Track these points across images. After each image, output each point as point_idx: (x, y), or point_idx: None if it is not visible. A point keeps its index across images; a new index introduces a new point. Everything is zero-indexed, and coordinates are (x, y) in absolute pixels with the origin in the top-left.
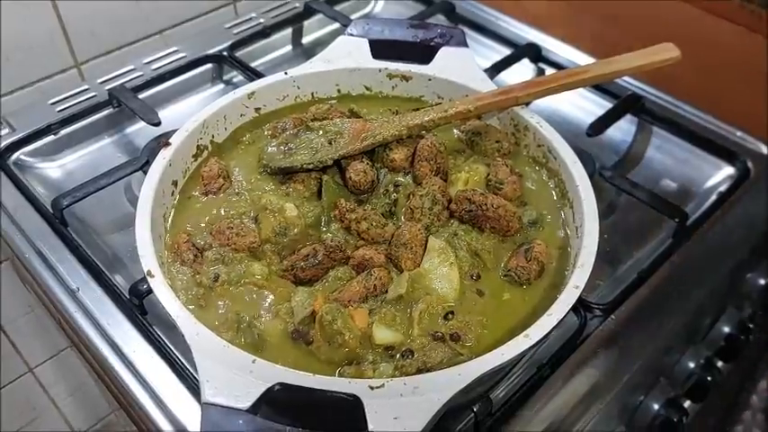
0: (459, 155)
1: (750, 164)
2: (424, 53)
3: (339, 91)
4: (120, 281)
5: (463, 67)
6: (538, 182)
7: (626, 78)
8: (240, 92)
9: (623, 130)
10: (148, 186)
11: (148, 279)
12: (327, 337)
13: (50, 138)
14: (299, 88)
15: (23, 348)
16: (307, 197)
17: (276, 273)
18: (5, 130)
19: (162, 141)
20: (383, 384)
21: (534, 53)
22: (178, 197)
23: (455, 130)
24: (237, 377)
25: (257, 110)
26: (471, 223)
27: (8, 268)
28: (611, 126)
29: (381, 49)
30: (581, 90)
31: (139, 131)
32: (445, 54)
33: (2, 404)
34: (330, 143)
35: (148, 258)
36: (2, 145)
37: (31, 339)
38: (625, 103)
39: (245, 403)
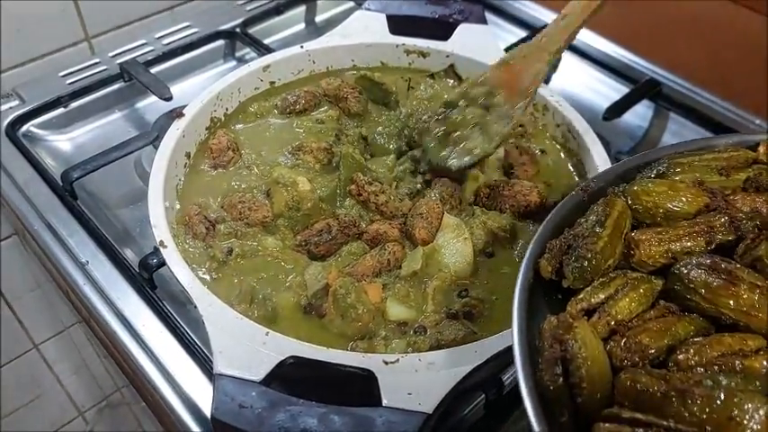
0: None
1: None
2: (442, 29)
3: (355, 66)
4: (129, 255)
5: (482, 43)
6: (557, 162)
7: (644, 63)
8: (255, 65)
9: (640, 115)
10: (162, 157)
11: (161, 249)
12: (341, 311)
13: (60, 110)
14: (314, 62)
15: (29, 325)
16: (317, 170)
17: (290, 247)
18: (16, 102)
19: (176, 112)
20: (398, 360)
21: None
22: (188, 169)
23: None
24: (251, 349)
25: (272, 83)
26: (493, 207)
27: (15, 245)
28: (627, 111)
29: (399, 24)
30: (598, 74)
31: (150, 106)
32: (464, 30)
33: (7, 380)
34: (488, 109)
35: (161, 229)
36: (12, 117)
37: (37, 316)
38: (642, 89)
39: (258, 375)
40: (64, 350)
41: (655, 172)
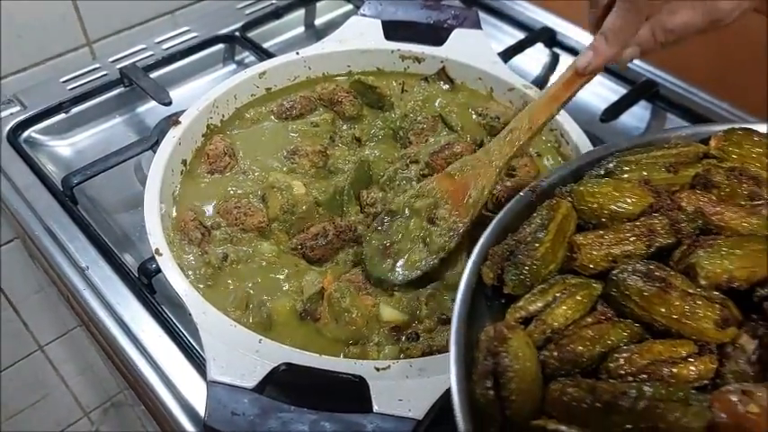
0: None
1: None
2: (437, 34)
3: (351, 72)
4: (129, 260)
5: (476, 48)
6: (554, 164)
7: (641, 64)
8: (251, 71)
9: (637, 116)
10: (158, 164)
11: (156, 257)
12: (335, 315)
13: (61, 116)
14: (310, 69)
15: (34, 326)
16: (313, 174)
17: (285, 251)
18: (17, 108)
19: (172, 120)
20: (389, 366)
21: (549, 37)
22: (185, 176)
23: (474, 115)
24: (244, 356)
25: (268, 89)
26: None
27: (19, 247)
28: (625, 112)
29: (394, 29)
30: (596, 76)
31: (150, 111)
32: (458, 35)
33: (13, 381)
34: (432, 222)
35: (157, 236)
36: (13, 123)
37: (42, 318)
38: (639, 90)
39: (251, 382)
40: (69, 351)
41: (603, 170)
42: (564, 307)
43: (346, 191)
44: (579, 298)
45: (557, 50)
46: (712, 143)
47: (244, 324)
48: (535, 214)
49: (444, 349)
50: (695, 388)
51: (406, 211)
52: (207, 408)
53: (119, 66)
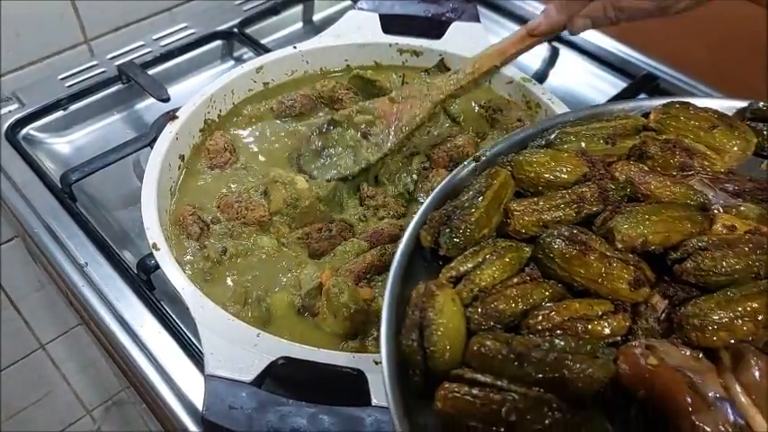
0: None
1: None
2: (435, 28)
3: (348, 66)
4: (128, 256)
5: (475, 42)
6: None
7: (641, 58)
8: (248, 66)
9: None
10: (155, 160)
11: (154, 252)
12: (333, 310)
13: (60, 113)
14: (307, 63)
15: (35, 325)
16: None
17: (286, 243)
18: (15, 105)
19: (169, 115)
20: None
21: None
22: (184, 171)
23: (476, 107)
24: (242, 350)
25: (265, 84)
26: None
27: (19, 245)
28: None
29: (391, 23)
30: (595, 70)
31: (149, 107)
32: (457, 29)
33: (15, 379)
34: (366, 137)
35: (154, 231)
36: (12, 120)
37: (43, 316)
38: (640, 83)
39: (249, 376)
40: (70, 350)
41: (544, 141)
42: (493, 268)
43: (346, 187)
44: (507, 260)
45: (556, 44)
46: (651, 116)
47: (242, 318)
48: (474, 182)
49: None
50: (609, 344)
51: (345, 123)
52: (205, 401)
53: (117, 63)
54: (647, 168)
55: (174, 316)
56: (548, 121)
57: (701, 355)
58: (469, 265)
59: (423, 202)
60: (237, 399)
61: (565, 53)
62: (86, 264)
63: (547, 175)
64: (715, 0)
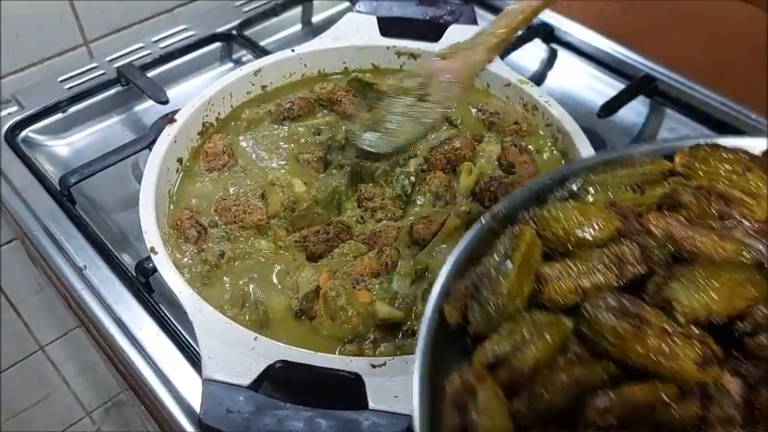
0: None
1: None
2: (433, 30)
3: (347, 68)
4: (126, 259)
5: None
6: (551, 161)
7: (639, 59)
8: (246, 69)
9: (636, 111)
10: (153, 163)
11: (152, 256)
12: (331, 313)
13: (59, 115)
14: (306, 66)
15: (34, 326)
16: (314, 175)
17: (284, 246)
18: (15, 108)
19: (168, 118)
20: (384, 363)
21: (547, 33)
22: (182, 174)
23: (473, 110)
24: (239, 354)
25: (263, 87)
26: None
27: (19, 247)
28: (622, 107)
29: (390, 26)
30: (593, 71)
31: (148, 110)
32: (454, 31)
33: (14, 381)
34: (423, 99)
35: (152, 234)
36: (11, 122)
37: (42, 318)
38: (638, 85)
39: (246, 380)
40: (69, 351)
41: (567, 192)
42: (533, 348)
43: (344, 190)
44: (549, 338)
45: (555, 46)
46: (677, 160)
47: (240, 322)
48: (498, 243)
49: None
50: None
51: (393, 91)
52: (202, 405)
53: (116, 65)
54: (683, 220)
55: (172, 319)
56: (566, 168)
57: None
58: (507, 347)
59: (421, 204)
60: (235, 402)
61: (563, 55)
62: (85, 267)
63: (577, 232)
64: (714, 1)
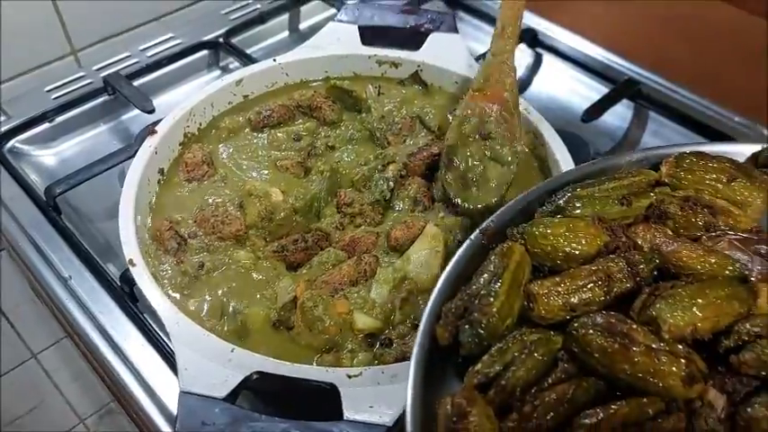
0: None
1: None
2: (413, 39)
3: (328, 77)
4: (111, 269)
5: (452, 53)
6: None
7: (623, 63)
8: (228, 79)
9: (619, 115)
10: (133, 174)
11: (130, 268)
12: (308, 323)
13: (46, 125)
14: (287, 75)
15: (26, 335)
16: (292, 182)
17: (262, 257)
18: (2, 118)
19: (149, 129)
20: (360, 373)
21: (531, 38)
22: (162, 184)
23: (451, 118)
24: (216, 366)
25: (245, 97)
26: None
27: (8, 256)
28: (606, 111)
29: (371, 35)
30: (578, 75)
31: (134, 119)
32: (435, 40)
33: (8, 389)
34: (487, 138)
35: (131, 247)
36: None
37: (34, 326)
38: (621, 89)
39: (223, 391)
40: (62, 359)
41: (554, 207)
42: (524, 368)
43: (323, 197)
44: (539, 356)
45: (539, 50)
46: (663, 169)
47: (218, 332)
48: (487, 262)
49: None
50: None
51: (459, 142)
52: (177, 418)
53: (103, 74)
54: (670, 233)
55: (156, 329)
56: (553, 181)
57: None
58: (498, 367)
59: (399, 210)
60: (210, 415)
61: (548, 59)
62: (70, 277)
63: (566, 248)
64: (698, 1)
